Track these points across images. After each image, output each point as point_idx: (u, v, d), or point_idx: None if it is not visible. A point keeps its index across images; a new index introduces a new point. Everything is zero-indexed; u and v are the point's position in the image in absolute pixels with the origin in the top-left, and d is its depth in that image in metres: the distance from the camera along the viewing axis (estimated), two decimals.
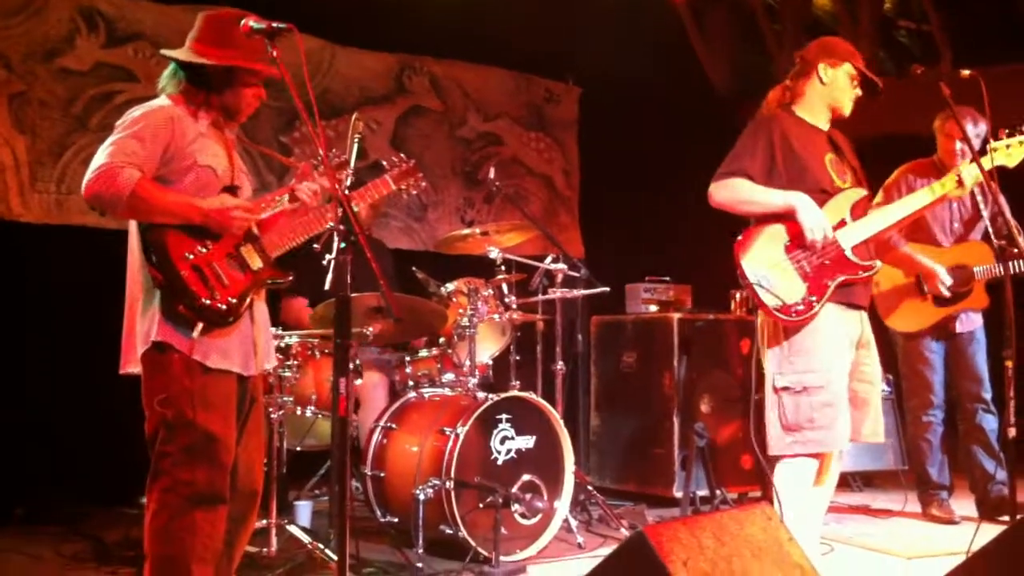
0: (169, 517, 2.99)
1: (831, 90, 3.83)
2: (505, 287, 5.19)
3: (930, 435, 5.43)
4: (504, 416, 4.60)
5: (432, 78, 7.56)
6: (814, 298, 3.61)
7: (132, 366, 3.10)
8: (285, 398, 4.60)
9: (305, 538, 4.37)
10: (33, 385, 5.48)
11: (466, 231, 5.42)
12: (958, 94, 3.91)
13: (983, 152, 3.90)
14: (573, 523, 4.83)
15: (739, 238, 3.72)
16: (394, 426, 4.79)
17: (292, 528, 4.44)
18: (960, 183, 3.80)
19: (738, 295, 6.02)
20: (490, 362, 5.37)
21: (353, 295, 2.81)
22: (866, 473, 6.44)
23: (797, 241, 3.66)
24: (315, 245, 3.43)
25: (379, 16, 6.89)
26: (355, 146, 3.99)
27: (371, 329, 4.70)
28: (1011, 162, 3.86)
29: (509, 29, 7.14)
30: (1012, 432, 3.87)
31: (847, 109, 3.86)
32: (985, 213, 5.26)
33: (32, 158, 5.75)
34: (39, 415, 5.41)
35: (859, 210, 3.77)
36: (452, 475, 4.32)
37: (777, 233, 3.69)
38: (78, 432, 5.41)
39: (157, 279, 3.01)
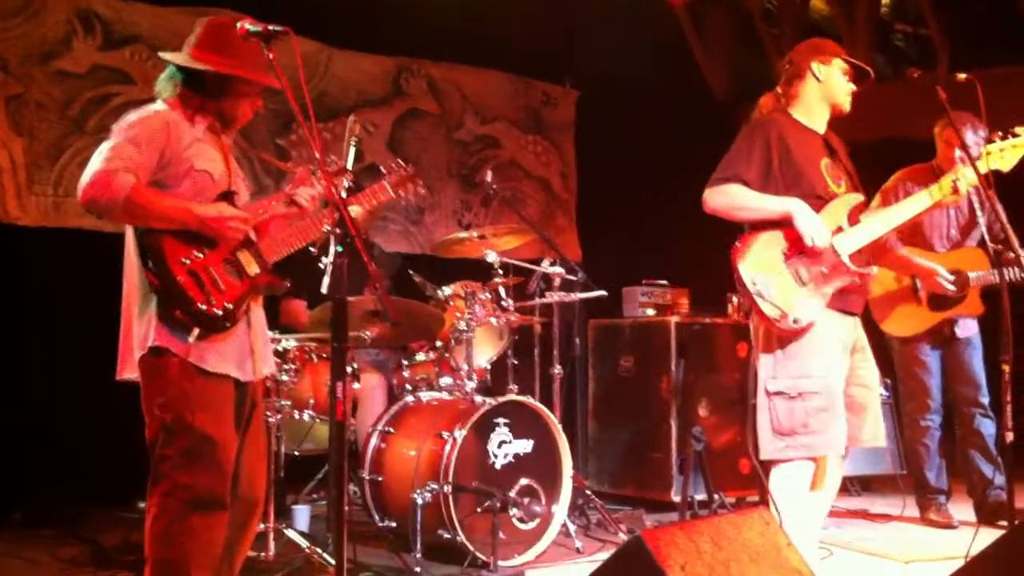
0: (169, 521, 2.98)
1: (827, 87, 3.80)
2: (502, 290, 5.18)
3: (928, 439, 5.42)
4: (502, 420, 4.59)
5: (429, 81, 7.56)
6: (813, 306, 3.59)
7: (129, 372, 3.09)
8: (283, 402, 4.59)
9: (303, 542, 4.36)
10: (32, 387, 5.48)
11: (463, 234, 5.41)
12: (955, 97, 3.90)
13: (978, 156, 3.89)
14: (571, 527, 4.82)
15: (737, 244, 3.71)
16: (392, 430, 4.79)
17: (290, 532, 4.43)
18: (955, 190, 3.78)
19: (735, 299, 6.02)
20: (488, 366, 5.37)
21: (350, 299, 2.81)
22: (864, 477, 6.43)
23: (795, 248, 3.63)
24: (312, 248, 3.42)
25: (376, 19, 6.89)
26: (352, 148, 3.98)
27: (368, 333, 4.70)
28: (1005, 166, 3.86)
29: (507, 32, 7.14)
30: (1010, 437, 3.87)
31: (847, 104, 3.83)
32: (981, 219, 5.26)
33: (29, 160, 5.74)
34: (38, 417, 5.41)
35: (856, 216, 3.75)
36: (450, 479, 4.31)
37: (774, 240, 3.66)
38: (77, 434, 5.41)
39: (153, 284, 3.01)
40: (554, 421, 4.77)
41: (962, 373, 5.35)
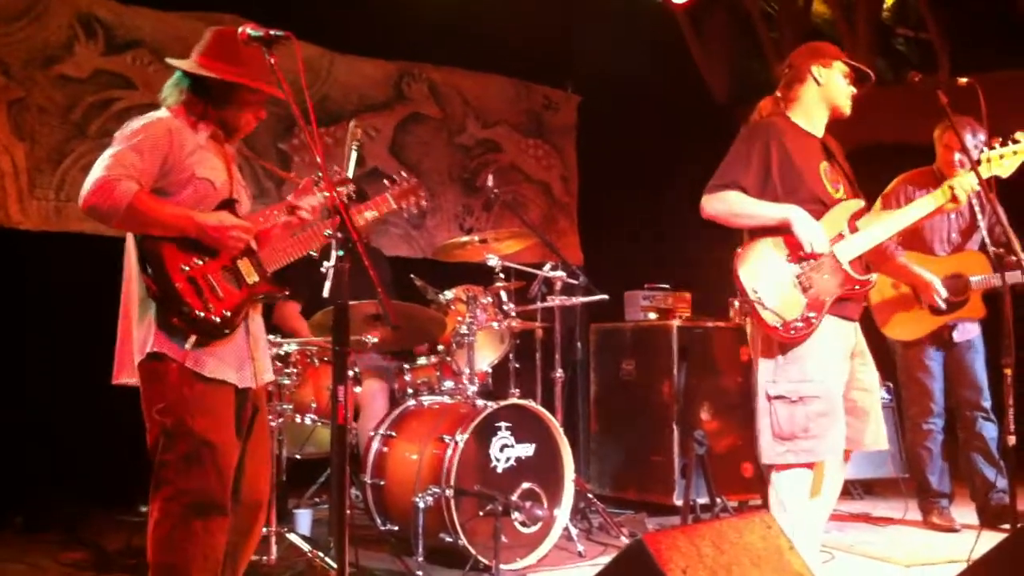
0: (171, 526, 2.99)
1: (828, 90, 3.78)
2: (504, 294, 5.18)
3: (930, 443, 5.42)
4: (503, 424, 4.59)
5: (431, 85, 7.56)
6: (813, 314, 3.58)
7: (126, 376, 3.09)
8: (284, 406, 4.60)
9: (305, 546, 4.36)
10: (33, 391, 5.48)
11: (465, 238, 5.43)
12: (956, 102, 3.90)
13: (977, 162, 3.89)
14: (573, 531, 4.82)
15: (738, 251, 3.70)
16: (393, 434, 4.79)
17: (292, 536, 4.44)
18: (954, 199, 3.77)
19: (737, 303, 6.01)
20: (489, 370, 5.36)
21: (351, 303, 2.81)
22: (867, 481, 6.43)
23: (795, 254, 3.63)
24: (313, 252, 3.42)
25: (378, 23, 6.90)
26: (353, 153, 3.98)
27: (370, 337, 4.70)
28: (1005, 172, 3.85)
29: (508, 36, 7.15)
30: (1012, 440, 3.87)
31: (847, 108, 3.82)
32: (982, 223, 5.26)
33: (31, 165, 5.75)
34: (40, 421, 5.41)
35: (856, 222, 3.75)
36: (452, 483, 4.31)
37: (775, 246, 3.65)
38: (78, 437, 5.41)
39: (152, 290, 3.01)
40: (556, 425, 4.77)
41: (964, 376, 5.35)
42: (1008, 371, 3.90)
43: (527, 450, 4.65)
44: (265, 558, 4.30)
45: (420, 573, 4.28)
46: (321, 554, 4.27)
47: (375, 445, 4.80)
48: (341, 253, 2.77)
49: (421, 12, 6.77)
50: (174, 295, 3.01)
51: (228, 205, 3.20)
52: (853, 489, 6.40)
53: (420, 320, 4.93)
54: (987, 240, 5.20)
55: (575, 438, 6.15)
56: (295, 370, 4.66)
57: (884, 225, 3.75)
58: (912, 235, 5.31)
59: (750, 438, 5.20)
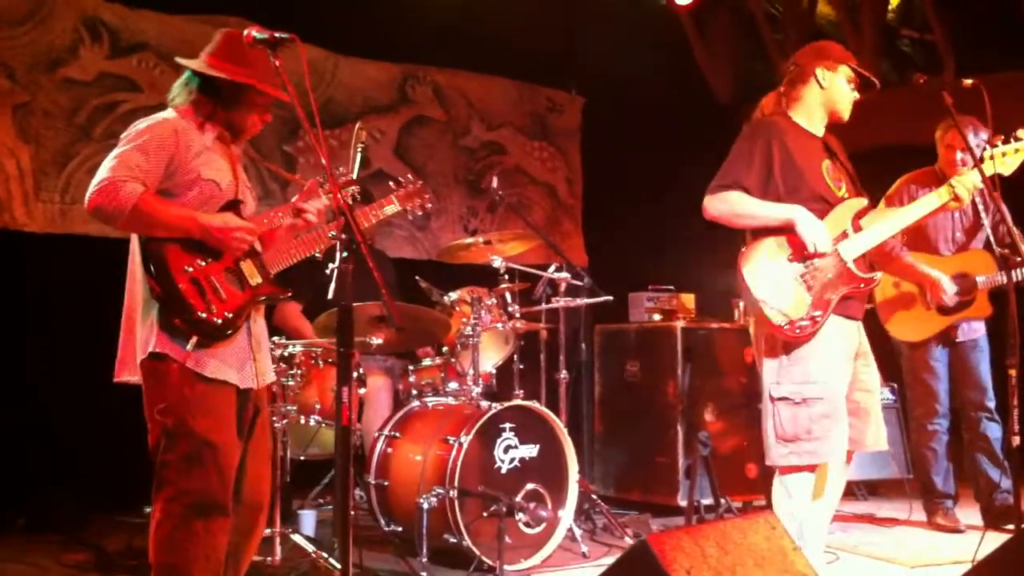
0: (173, 527, 2.99)
1: (830, 94, 3.77)
2: (508, 296, 5.19)
3: (935, 444, 5.41)
4: (508, 425, 4.59)
5: (435, 88, 7.58)
6: (818, 313, 3.57)
7: (128, 375, 3.10)
8: (289, 407, 4.60)
9: (309, 547, 4.37)
10: (35, 391, 5.49)
11: (469, 240, 5.43)
12: (961, 103, 3.89)
13: (980, 160, 3.88)
14: (577, 532, 4.83)
15: (742, 250, 3.69)
16: (398, 435, 4.79)
17: (296, 537, 4.44)
18: (956, 197, 3.76)
19: (741, 304, 6.01)
20: (493, 371, 5.37)
21: (356, 304, 2.82)
22: (871, 482, 6.42)
23: (799, 254, 3.62)
24: (317, 254, 3.43)
25: (382, 26, 6.91)
26: (358, 155, 3.99)
27: (375, 338, 4.71)
28: (1007, 170, 3.84)
29: (512, 39, 7.16)
30: (1016, 441, 3.86)
31: (846, 113, 3.81)
32: (986, 222, 5.26)
33: (36, 168, 5.76)
34: (42, 421, 5.42)
35: (860, 221, 3.74)
36: (456, 484, 4.31)
37: (779, 246, 3.65)
38: (81, 439, 5.41)
39: (155, 291, 3.02)
40: (560, 426, 4.77)
41: (968, 377, 5.35)
42: (1013, 372, 3.89)
43: (531, 451, 4.65)
44: (269, 559, 4.31)
45: (424, 574, 4.28)
46: (325, 555, 4.27)
47: (379, 446, 4.81)
48: (345, 255, 2.77)
49: (425, 15, 6.78)
50: (177, 296, 3.01)
51: (233, 206, 3.21)
52: (857, 490, 6.39)
53: (424, 322, 4.94)
54: (992, 239, 5.19)
55: (579, 439, 6.13)
56: (299, 371, 4.66)
57: (888, 223, 3.74)
58: (917, 235, 5.32)
59: (754, 439, 5.21)
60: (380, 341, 4.75)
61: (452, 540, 4.35)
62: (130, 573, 4.29)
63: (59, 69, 5.86)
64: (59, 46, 5.87)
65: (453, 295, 5.19)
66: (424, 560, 4.33)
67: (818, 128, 3.83)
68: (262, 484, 3.30)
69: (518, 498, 4.47)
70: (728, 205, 3.67)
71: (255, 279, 3.21)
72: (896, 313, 5.40)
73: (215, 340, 3.07)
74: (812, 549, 3.66)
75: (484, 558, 4.31)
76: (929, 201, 3.80)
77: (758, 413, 3.78)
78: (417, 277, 5.44)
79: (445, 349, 5.22)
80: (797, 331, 3.56)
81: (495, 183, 5.57)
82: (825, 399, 3.55)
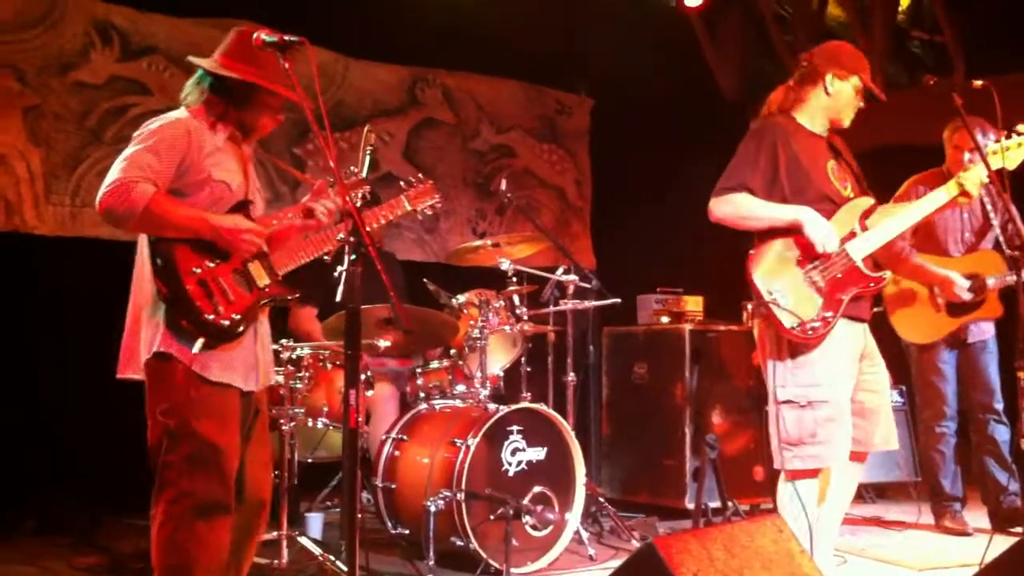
0: (174, 528, 3.00)
1: (835, 102, 3.74)
2: (516, 298, 5.19)
3: (943, 446, 5.40)
4: (515, 428, 4.60)
5: (445, 90, 7.59)
6: (829, 314, 3.56)
7: (132, 372, 3.11)
8: (296, 410, 4.61)
9: (316, 550, 4.38)
10: (47, 395, 5.51)
11: (478, 242, 5.44)
12: (970, 104, 3.88)
13: (992, 152, 3.85)
14: (584, 535, 4.83)
15: (751, 252, 3.69)
16: (405, 438, 4.80)
17: (303, 540, 4.46)
18: (964, 192, 3.74)
19: (750, 306, 6.00)
20: (501, 374, 5.37)
21: (364, 307, 2.82)
22: (879, 485, 6.41)
23: (808, 255, 3.60)
24: (326, 256, 3.44)
25: (392, 29, 6.92)
26: (367, 158, 4.00)
27: (383, 341, 4.71)
28: (1011, 164, 3.81)
29: (521, 41, 7.16)
30: None
31: (847, 122, 3.79)
32: (996, 222, 5.25)
33: (46, 171, 5.79)
34: (52, 425, 5.44)
35: (867, 220, 3.73)
36: (463, 487, 4.32)
37: (788, 247, 3.63)
38: (91, 442, 5.43)
39: (163, 292, 3.03)
40: (567, 428, 4.77)
41: (977, 379, 5.34)
42: (1022, 374, 3.88)
43: (538, 454, 4.65)
44: (276, 562, 4.32)
45: None
46: (332, 558, 4.28)
47: (386, 449, 4.81)
48: (354, 257, 2.78)
49: (435, 17, 6.79)
50: (184, 297, 3.02)
51: (242, 206, 3.22)
52: (865, 493, 6.38)
53: (432, 324, 4.94)
54: (1001, 239, 5.18)
55: (587, 442, 6.15)
56: (307, 374, 4.68)
57: (896, 220, 3.70)
58: (926, 237, 5.31)
59: (762, 441, 5.21)
60: (388, 343, 4.75)
61: (459, 543, 4.35)
62: None
63: (70, 72, 5.89)
64: (70, 49, 5.89)
65: (461, 298, 5.19)
66: (431, 563, 4.33)
67: (821, 129, 3.81)
68: (263, 482, 3.30)
69: (525, 501, 4.46)
70: (734, 207, 3.66)
71: (263, 280, 3.21)
72: (905, 315, 5.39)
73: (222, 342, 3.08)
74: (821, 552, 3.67)
75: (491, 561, 4.31)
76: (937, 197, 3.75)
77: (766, 416, 3.77)
78: (425, 279, 5.45)
79: (453, 352, 5.22)
80: (809, 332, 3.54)
81: (504, 186, 5.58)
82: (830, 402, 3.54)
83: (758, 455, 5.69)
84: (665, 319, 6.26)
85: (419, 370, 5.27)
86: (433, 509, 4.33)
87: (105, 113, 5.99)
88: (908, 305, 5.39)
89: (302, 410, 4.68)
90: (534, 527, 4.53)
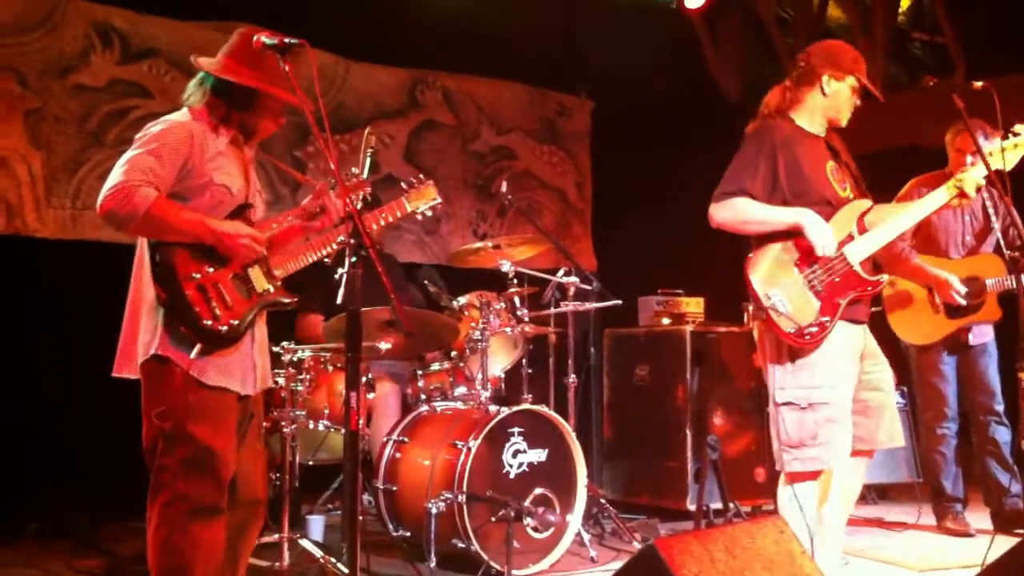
0: (170, 530, 3.01)
1: (832, 102, 3.74)
2: (517, 300, 5.20)
3: (944, 447, 5.40)
4: (516, 429, 4.60)
5: (445, 92, 7.59)
6: (826, 318, 3.55)
7: (127, 371, 3.12)
8: (297, 412, 4.61)
9: (317, 552, 4.38)
10: (47, 398, 5.51)
11: (478, 244, 5.44)
12: (971, 105, 3.87)
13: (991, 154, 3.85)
14: (586, 536, 4.82)
15: (749, 256, 3.68)
16: (406, 440, 4.80)
17: (304, 542, 4.45)
18: (963, 193, 3.73)
19: (751, 308, 6.00)
20: (502, 375, 5.38)
21: (364, 309, 2.83)
22: (881, 485, 6.41)
23: (806, 258, 3.59)
24: (327, 259, 3.44)
25: (392, 31, 6.93)
26: (368, 160, 4.00)
27: (383, 343, 4.72)
28: (1008, 165, 3.80)
29: (521, 43, 7.16)
30: None
31: (845, 120, 3.78)
32: (996, 225, 5.25)
33: (47, 174, 5.79)
34: (54, 428, 5.43)
35: (865, 222, 3.72)
36: (464, 489, 4.32)
37: (785, 251, 3.62)
38: (93, 445, 5.42)
39: (161, 298, 3.03)
40: (568, 430, 4.77)
41: (977, 381, 5.33)
42: (1023, 375, 3.87)
43: (540, 455, 4.65)
44: (277, 564, 4.32)
45: None
46: (333, 560, 4.28)
47: (388, 451, 4.81)
48: (354, 259, 2.78)
49: (435, 20, 6.79)
50: (183, 303, 3.02)
51: (242, 211, 3.22)
52: (867, 493, 6.37)
53: (433, 326, 4.95)
54: (1002, 242, 5.18)
55: (588, 443, 6.15)
56: (308, 376, 4.67)
57: (893, 223, 3.69)
58: (926, 239, 5.32)
59: (763, 442, 5.21)
60: (389, 345, 4.76)
61: (460, 545, 4.35)
62: None
63: (70, 75, 5.89)
64: (70, 52, 5.90)
65: (462, 299, 5.20)
66: (432, 565, 4.34)
67: (820, 129, 3.80)
68: (256, 481, 3.31)
69: (526, 503, 4.47)
70: (734, 212, 3.66)
71: (262, 285, 3.21)
72: (904, 316, 5.39)
73: (219, 347, 3.08)
74: (828, 552, 3.67)
75: (492, 563, 4.31)
76: (934, 198, 3.75)
77: (767, 417, 3.76)
78: (426, 281, 5.45)
79: (454, 354, 5.22)
80: (806, 337, 3.54)
81: (504, 187, 5.58)
82: (831, 404, 3.54)
83: (759, 456, 5.69)
84: (666, 320, 6.26)
85: (420, 372, 5.27)
86: (434, 511, 4.33)
87: (106, 116, 5.99)
88: (907, 306, 5.39)
89: (303, 412, 4.68)
90: (535, 529, 4.52)
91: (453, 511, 4.32)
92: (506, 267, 5.19)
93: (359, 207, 3.41)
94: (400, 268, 6.14)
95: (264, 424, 4.52)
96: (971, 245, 5.37)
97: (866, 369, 3.70)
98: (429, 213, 3.76)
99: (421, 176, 3.80)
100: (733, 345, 5.94)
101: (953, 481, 5.41)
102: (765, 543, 2.96)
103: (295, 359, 4.66)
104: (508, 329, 5.11)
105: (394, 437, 4.84)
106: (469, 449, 4.39)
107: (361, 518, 4.10)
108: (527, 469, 4.60)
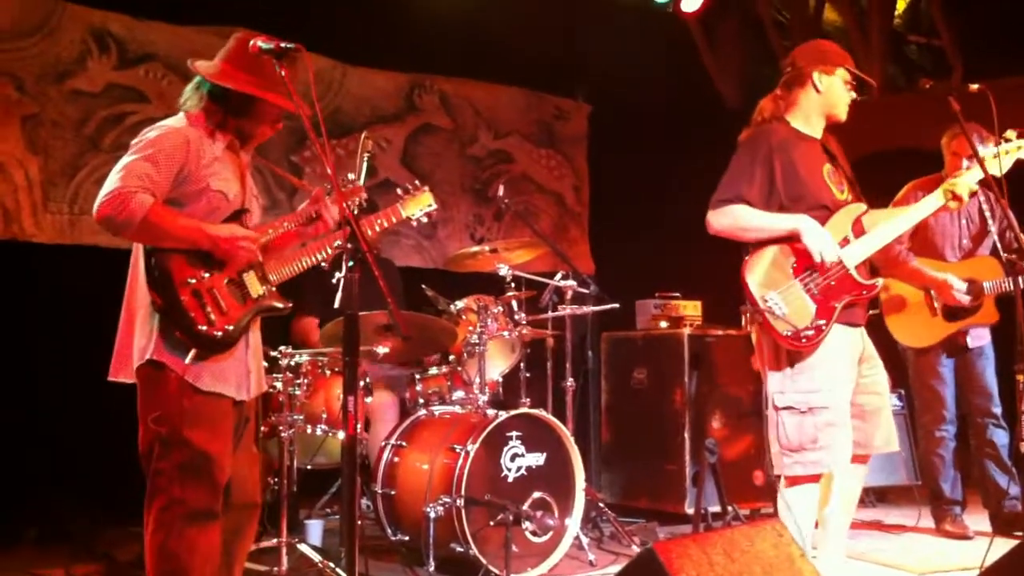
0: (166, 535, 3.02)
1: (827, 98, 3.75)
2: (515, 304, 5.19)
3: (943, 450, 5.40)
4: (514, 433, 4.59)
5: (442, 96, 7.59)
6: (823, 322, 3.56)
7: (123, 375, 3.12)
8: (295, 416, 4.60)
9: (316, 557, 4.37)
10: (46, 404, 5.50)
11: (476, 248, 5.44)
12: (967, 108, 3.87)
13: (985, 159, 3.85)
14: (584, 540, 4.82)
15: (746, 259, 3.69)
16: (404, 444, 4.80)
17: (303, 547, 4.45)
18: (956, 196, 3.74)
19: (749, 311, 6.00)
20: (500, 379, 5.38)
21: (362, 313, 2.82)
22: (879, 488, 6.40)
23: (803, 262, 3.60)
24: (323, 264, 3.44)
25: (389, 35, 6.93)
26: (365, 165, 3.99)
27: (381, 347, 4.71)
28: (1000, 170, 3.80)
29: (518, 47, 7.16)
30: None
31: (843, 115, 3.78)
32: (993, 228, 5.25)
33: (44, 179, 5.79)
34: (52, 433, 5.42)
35: (860, 226, 3.71)
36: (463, 493, 4.31)
37: (782, 255, 3.63)
38: (92, 450, 5.41)
39: (157, 302, 3.03)
40: (567, 434, 4.77)
41: (974, 383, 5.34)
42: (1021, 377, 3.88)
43: (538, 459, 4.65)
44: (276, 568, 4.32)
45: None
46: (332, 565, 4.28)
47: (386, 455, 4.81)
48: (351, 264, 2.78)
49: (432, 24, 6.79)
50: (178, 308, 3.02)
51: (238, 216, 3.21)
52: (866, 496, 6.36)
53: (431, 330, 4.95)
54: (999, 245, 5.19)
55: (586, 447, 6.14)
56: (306, 380, 4.67)
57: (889, 227, 3.70)
58: (923, 242, 5.32)
59: (761, 446, 5.21)
60: (387, 350, 4.75)
61: (459, 549, 4.35)
62: None
63: (67, 80, 5.89)
64: (67, 57, 5.89)
65: (460, 303, 5.20)
66: (431, 569, 4.33)
67: (816, 131, 3.80)
68: (251, 485, 3.31)
69: (525, 506, 4.46)
70: (732, 219, 3.66)
71: (257, 290, 3.21)
72: (901, 319, 5.39)
73: (214, 353, 3.08)
74: (832, 555, 3.67)
75: (491, 567, 4.30)
76: (928, 203, 3.77)
77: (766, 420, 3.77)
78: (424, 286, 5.45)
79: (451, 358, 5.22)
80: (803, 340, 3.55)
81: (502, 191, 5.58)
82: (831, 407, 3.54)
83: (758, 459, 5.69)
84: (664, 324, 6.25)
85: (418, 376, 5.26)
86: (433, 515, 4.33)
87: (103, 121, 5.99)
88: (904, 309, 5.39)
89: (301, 417, 4.68)
90: (534, 533, 4.52)
91: (451, 515, 4.31)
92: (503, 271, 5.20)
93: (355, 212, 3.40)
94: (398, 272, 6.13)
95: (262, 428, 4.54)
96: (968, 248, 5.38)
97: (863, 373, 3.71)
98: (425, 219, 3.75)
99: (417, 182, 3.80)
100: (731, 348, 5.94)
101: (952, 484, 5.41)
102: (764, 546, 2.96)
103: (293, 363, 4.66)
104: (506, 333, 5.11)
105: (392, 441, 4.83)
106: (467, 453, 4.38)
107: (359, 522, 4.09)
108: (525, 473, 4.59)
